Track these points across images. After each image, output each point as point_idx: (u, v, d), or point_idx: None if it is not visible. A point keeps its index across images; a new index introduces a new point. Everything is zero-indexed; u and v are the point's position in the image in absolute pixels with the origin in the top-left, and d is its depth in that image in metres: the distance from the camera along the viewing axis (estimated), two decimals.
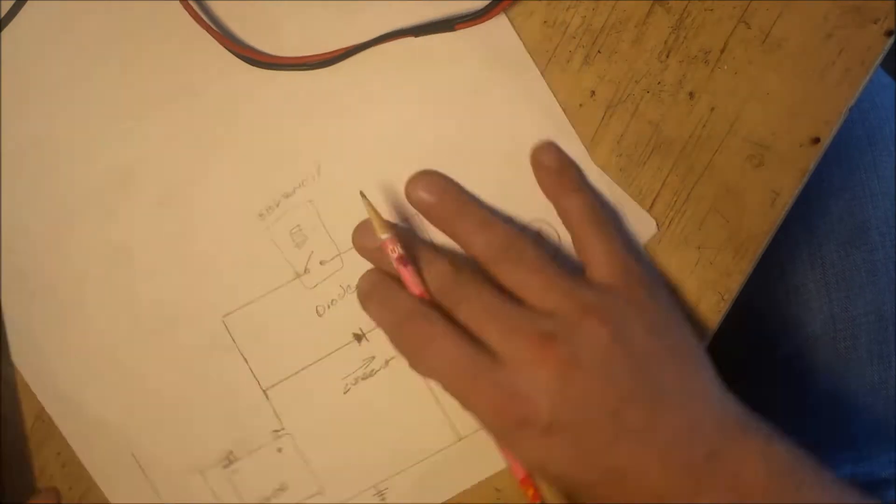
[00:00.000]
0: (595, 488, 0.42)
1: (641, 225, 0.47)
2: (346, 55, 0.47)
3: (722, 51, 0.46)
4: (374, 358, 0.48)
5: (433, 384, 0.45)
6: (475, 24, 0.46)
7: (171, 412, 0.49)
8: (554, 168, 0.46)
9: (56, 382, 0.49)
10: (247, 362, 0.48)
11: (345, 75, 0.47)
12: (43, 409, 0.49)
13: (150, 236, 0.48)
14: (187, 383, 0.49)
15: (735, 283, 0.48)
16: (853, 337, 0.62)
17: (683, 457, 0.41)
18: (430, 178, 0.47)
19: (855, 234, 0.62)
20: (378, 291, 0.46)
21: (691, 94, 0.47)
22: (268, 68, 0.47)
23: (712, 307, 0.48)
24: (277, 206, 0.48)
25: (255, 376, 0.49)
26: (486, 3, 0.46)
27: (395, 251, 0.44)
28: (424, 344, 0.43)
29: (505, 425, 0.42)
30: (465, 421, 0.48)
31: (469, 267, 0.45)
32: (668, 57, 0.46)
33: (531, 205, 0.47)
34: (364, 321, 0.48)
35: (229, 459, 0.49)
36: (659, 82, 0.47)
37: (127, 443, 0.49)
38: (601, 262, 0.45)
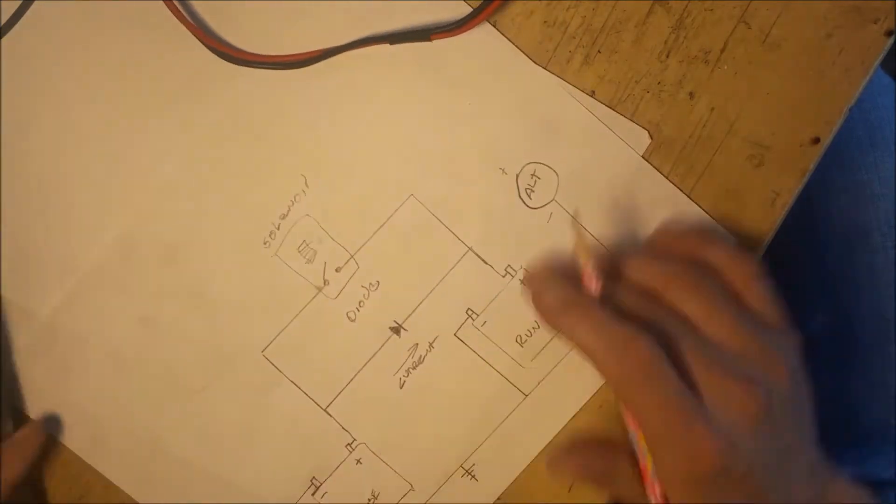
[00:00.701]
0: None
1: (633, 139, 0.47)
2: (319, 58, 0.47)
3: (722, 51, 0.46)
4: (417, 345, 0.48)
5: (483, 353, 0.47)
6: (453, 36, 0.46)
7: (245, 461, 0.49)
8: (682, 231, 0.46)
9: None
10: (299, 388, 0.48)
11: (322, 78, 0.48)
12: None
13: (166, 300, 0.48)
14: (251, 428, 0.49)
15: None
16: (854, 338, 0.62)
17: None
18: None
19: (856, 235, 0.62)
20: (578, 307, 0.43)
21: (691, 94, 0.47)
22: (243, 65, 0.47)
23: None
24: (278, 229, 0.48)
25: (311, 398, 0.48)
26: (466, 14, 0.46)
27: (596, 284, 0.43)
28: (646, 374, 0.41)
29: (704, 472, 0.40)
30: (525, 377, 0.48)
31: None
32: (668, 57, 0.46)
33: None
34: (395, 313, 0.48)
35: (315, 486, 0.49)
36: (659, 82, 0.47)
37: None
38: (763, 304, 0.45)
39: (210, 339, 0.49)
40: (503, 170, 0.47)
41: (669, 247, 0.46)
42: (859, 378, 0.62)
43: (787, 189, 0.47)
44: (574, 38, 0.47)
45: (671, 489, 0.42)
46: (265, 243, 0.48)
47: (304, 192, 0.48)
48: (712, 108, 0.47)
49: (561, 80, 0.47)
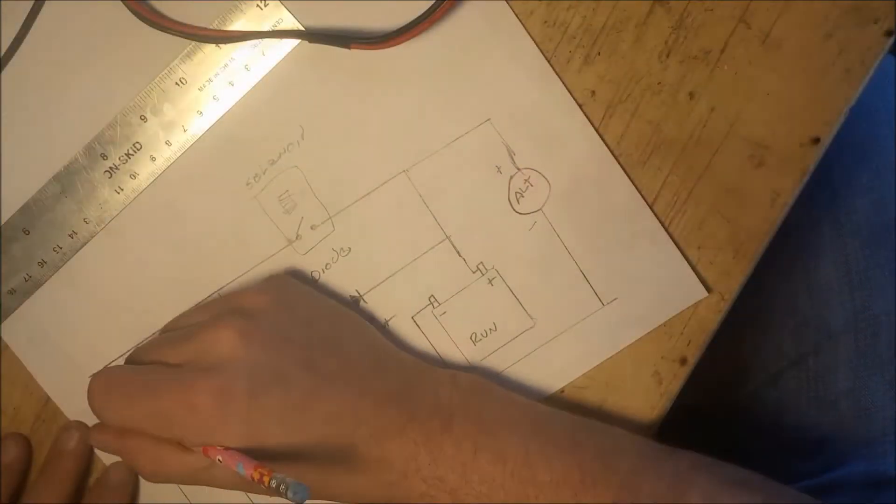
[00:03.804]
0: (315, 450, 0.43)
1: (689, 289, 0.48)
2: (237, 39, 0.46)
3: (722, 51, 0.46)
4: (373, 319, 0.49)
5: (435, 342, 0.49)
6: (371, 49, 0.46)
7: None
8: None
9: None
10: None
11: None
12: (43, 407, 0.50)
13: (139, 217, 0.48)
14: None
15: (735, 283, 0.48)
16: (874, 335, 0.61)
17: (382, 389, 0.44)
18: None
19: (880, 234, 0.61)
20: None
21: (691, 94, 0.47)
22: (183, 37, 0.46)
23: (712, 307, 0.48)
24: (264, 173, 0.48)
25: None
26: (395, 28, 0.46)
27: None
28: (119, 393, 0.45)
29: (204, 414, 0.42)
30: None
31: None
32: (668, 57, 0.46)
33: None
34: (359, 283, 0.48)
35: None
36: (659, 82, 0.47)
37: None
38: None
39: (172, 265, 0.49)
40: (499, 168, 0.48)
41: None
42: (878, 375, 0.61)
43: (787, 189, 0.46)
44: (574, 38, 0.47)
45: (214, 440, 0.43)
46: (248, 184, 0.48)
47: (298, 142, 0.48)
48: (712, 108, 0.47)
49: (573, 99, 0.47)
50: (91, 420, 0.47)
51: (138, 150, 0.48)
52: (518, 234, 0.48)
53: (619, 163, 0.47)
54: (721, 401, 0.65)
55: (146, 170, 0.48)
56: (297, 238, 0.48)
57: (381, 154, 0.48)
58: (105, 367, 0.46)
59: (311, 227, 0.48)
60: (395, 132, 0.48)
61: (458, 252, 0.48)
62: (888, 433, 0.60)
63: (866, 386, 0.61)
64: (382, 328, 0.49)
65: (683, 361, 0.48)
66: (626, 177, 0.47)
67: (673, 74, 0.47)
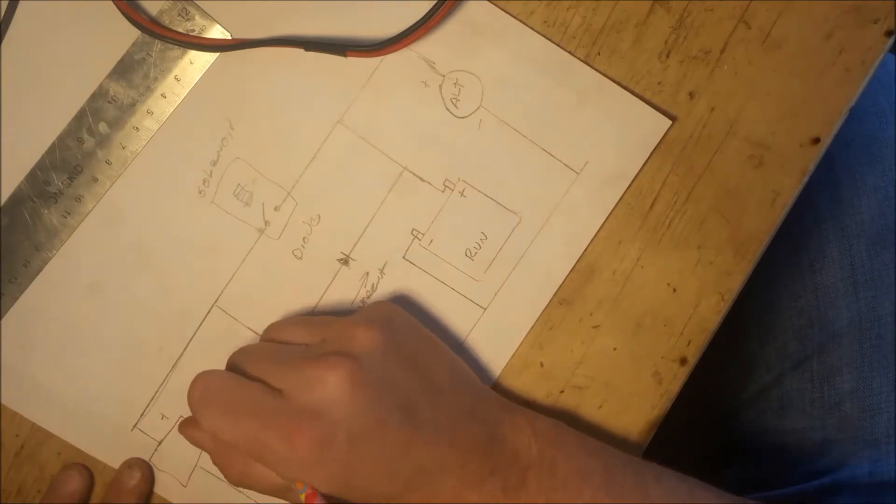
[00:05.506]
0: (402, 497, 0.43)
1: (654, 124, 0.47)
2: (233, 47, 0.47)
3: (722, 51, 0.46)
4: (367, 273, 0.49)
5: (435, 272, 0.48)
6: (366, 56, 0.46)
7: None
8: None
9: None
10: (257, 334, 0.49)
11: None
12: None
13: (111, 263, 0.49)
14: None
15: (735, 283, 0.48)
16: (879, 336, 0.61)
17: (469, 438, 0.44)
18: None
19: (885, 235, 0.61)
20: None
21: (691, 94, 0.47)
22: (163, 41, 0.47)
23: (712, 307, 0.48)
24: (210, 176, 0.48)
25: None
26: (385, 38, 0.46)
27: None
28: (223, 412, 0.44)
29: (303, 455, 0.42)
30: (481, 291, 0.49)
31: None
32: (668, 57, 0.47)
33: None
34: (341, 244, 0.48)
35: None
36: (659, 82, 0.47)
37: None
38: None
39: (161, 298, 0.49)
40: (425, 82, 0.48)
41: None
42: (882, 376, 0.61)
43: (787, 189, 0.46)
44: (574, 38, 0.47)
45: (307, 479, 0.43)
46: (200, 192, 0.48)
47: (230, 134, 0.48)
48: (712, 108, 0.47)
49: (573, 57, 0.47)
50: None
51: (79, 172, 0.48)
52: (469, 138, 0.48)
53: (534, 30, 0.47)
54: (725, 401, 0.65)
55: (90, 191, 0.48)
56: (266, 225, 0.48)
57: (310, 113, 0.48)
58: (210, 370, 0.46)
59: (275, 209, 0.48)
60: (314, 87, 0.48)
61: (420, 178, 0.48)
62: (892, 434, 0.60)
63: (870, 387, 0.61)
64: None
65: (683, 361, 0.48)
66: (548, 42, 0.47)
67: (673, 74, 0.47)
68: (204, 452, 0.49)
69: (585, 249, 0.48)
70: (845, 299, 0.61)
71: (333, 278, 0.49)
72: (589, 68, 0.47)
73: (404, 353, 0.44)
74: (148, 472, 0.50)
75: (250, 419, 0.43)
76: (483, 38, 0.47)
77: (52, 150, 0.48)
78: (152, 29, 0.47)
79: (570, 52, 0.47)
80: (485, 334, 0.49)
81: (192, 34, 0.47)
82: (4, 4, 0.47)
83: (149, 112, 0.48)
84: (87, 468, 0.50)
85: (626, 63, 0.47)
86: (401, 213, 0.48)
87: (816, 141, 0.46)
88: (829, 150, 0.46)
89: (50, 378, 0.49)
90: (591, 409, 0.49)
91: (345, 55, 0.46)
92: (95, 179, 0.48)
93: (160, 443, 0.50)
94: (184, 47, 0.47)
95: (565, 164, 0.48)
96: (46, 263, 0.48)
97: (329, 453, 0.42)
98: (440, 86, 0.48)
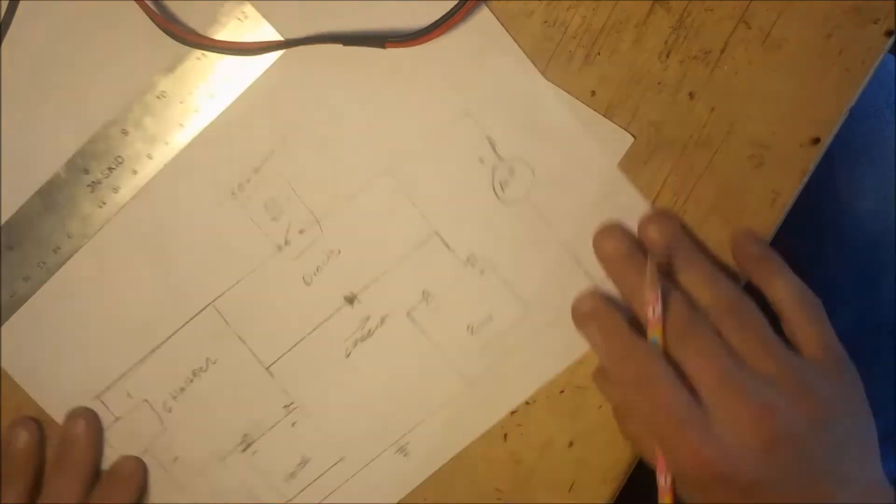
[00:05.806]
0: None
1: (615, 141, 0.47)
2: (272, 49, 0.47)
3: (722, 51, 0.46)
4: (368, 318, 0.49)
5: (432, 336, 0.48)
6: (407, 46, 0.46)
7: (182, 408, 0.50)
8: (758, 254, 0.47)
9: (62, 393, 0.50)
10: (244, 343, 0.49)
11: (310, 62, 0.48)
12: (42, 408, 0.50)
13: (125, 236, 0.49)
14: (191, 376, 0.50)
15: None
16: (879, 338, 0.61)
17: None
18: (665, 220, 0.47)
19: (884, 234, 0.61)
20: (600, 316, 0.47)
21: (691, 94, 0.47)
22: (198, 48, 0.47)
23: None
24: (248, 181, 0.48)
25: (255, 356, 0.49)
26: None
27: (654, 278, 0.44)
28: (642, 382, 0.44)
29: (703, 478, 0.42)
30: (471, 366, 0.49)
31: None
32: (668, 57, 0.47)
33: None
34: (352, 283, 0.49)
35: (246, 443, 0.50)
36: (659, 82, 0.47)
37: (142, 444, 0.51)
38: (812, 343, 0.46)
39: (160, 280, 0.49)
40: (481, 160, 0.48)
41: (738, 264, 0.47)
42: (884, 378, 0.61)
43: (787, 189, 0.46)
44: (574, 38, 0.47)
45: (677, 482, 0.44)
46: (233, 194, 0.48)
47: (280, 149, 0.48)
48: (712, 108, 0.47)
49: (551, 83, 0.47)
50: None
51: (120, 163, 0.48)
52: (505, 224, 0.48)
53: (594, 139, 0.47)
54: None
55: (129, 184, 0.48)
56: (286, 244, 0.49)
57: (363, 155, 0.48)
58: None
59: (300, 232, 0.49)
60: (374, 133, 0.48)
61: (447, 245, 0.48)
62: (890, 435, 0.60)
63: (869, 388, 0.61)
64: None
65: None
66: (605, 153, 0.47)
67: (673, 74, 0.47)
68: (156, 441, 0.50)
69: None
70: (846, 301, 0.62)
71: (334, 313, 0.49)
72: (634, 190, 0.47)
73: (833, 435, 0.44)
74: (93, 419, 0.50)
75: (673, 422, 0.43)
76: (546, 133, 0.48)
77: (94, 139, 0.48)
78: (185, 37, 0.47)
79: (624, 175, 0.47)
80: (462, 407, 0.49)
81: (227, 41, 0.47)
82: (4, 5, 0.47)
83: (196, 110, 0.48)
84: (34, 421, 0.50)
85: (626, 63, 0.47)
86: (418, 271, 0.49)
87: (816, 141, 0.46)
88: (829, 150, 0.46)
89: (28, 330, 0.49)
90: (592, 409, 0.49)
91: (384, 47, 0.46)
92: (135, 172, 0.48)
93: (117, 419, 0.50)
94: (215, 52, 0.47)
95: (587, 272, 0.48)
96: (77, 251, 0.49)
97: (719, 488, 0.42)
98: (494, 168, 0.48)
